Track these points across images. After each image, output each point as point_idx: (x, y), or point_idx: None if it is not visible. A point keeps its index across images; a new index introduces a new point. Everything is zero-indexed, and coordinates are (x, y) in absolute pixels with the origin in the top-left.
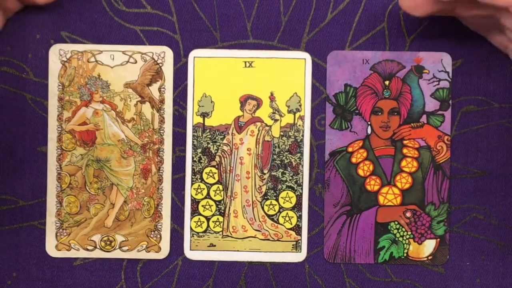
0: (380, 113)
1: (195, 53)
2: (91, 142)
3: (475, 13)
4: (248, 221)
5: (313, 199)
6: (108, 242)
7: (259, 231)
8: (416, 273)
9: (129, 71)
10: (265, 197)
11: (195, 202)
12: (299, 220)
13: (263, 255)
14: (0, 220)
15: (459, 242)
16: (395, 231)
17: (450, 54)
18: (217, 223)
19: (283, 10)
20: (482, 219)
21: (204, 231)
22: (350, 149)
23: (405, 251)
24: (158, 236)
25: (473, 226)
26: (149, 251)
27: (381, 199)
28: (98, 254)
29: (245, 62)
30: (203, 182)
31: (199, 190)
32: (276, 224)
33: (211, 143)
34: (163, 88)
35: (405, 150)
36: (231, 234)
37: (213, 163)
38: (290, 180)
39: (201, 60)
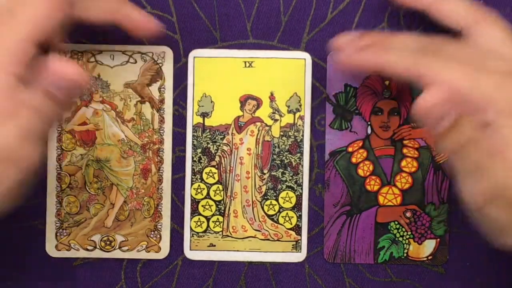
0: (380, 113)
1: (195, 53)
2: (91, 142)
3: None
4: (248, 221)
5: (313, 199)
6: (108, 242)
7: (259, 231)
8: (416, 273)
9: (129, 71)
10: (265, 197)
11: (195, 202)
12: (299, 220)
13: (263, 255)
14: (0, 220)
15: (459, 242)
16: (395, 231)
17: None
18: (217, 223)
19: (283, 10)
20: None
21: (204, 231)
22: (350, 149)
23: (405, 251)
24: (158, 236)
25: (473, 226)
26: (149, 251)
27: (381, 199)
28: (98, 254)
29: (245, 62)
30: (203, 182)
31: (199, 190)
32: (276, 224)
33: (211, 143)
34: (163, 88)
35: (405, 150)
36: (231, 234)
37: (213, 163)
38: (290, 180)
39: (201, 60)
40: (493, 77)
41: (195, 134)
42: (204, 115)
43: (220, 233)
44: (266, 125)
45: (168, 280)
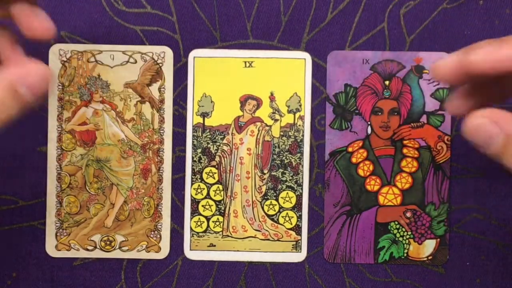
0: (380, 113)
1: (195, 53)
2: (91, 142)
3: None
4: (248, 221)
5: (313, 199)
6: (108, 242)
7: (259, 231)
8: (416, 273)
9: (129, 71)
10: (265, 197)
11: (195, 202)
12: (299, 220)
13: (263, 255)
14: (0, 220)
15: (459, 242)
16: (395, 231)
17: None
18: (217, 223)
19: (283, 10)
20: (482, 219)
21: (204, 231)
22: (350, 149)
23: (405, 251)
24: (158, 236)
25: (473, 226)
26: (149, 251)
27: (381, 199)
28: (98, 254)
29: (245, 62)
30: (203, 182)
31: (199, 190)
32: (276, 224)
33: (211, 143)
34: (163, 88)
35: (405, 150)
36: (231, 234)
37: (213, 163)
38: (290, 180)
39: (201, 60)
40: None
41: (195, 134)
42: (204, 115)
43: (220, 233)
44: (266, 125)
45: (168, 280)
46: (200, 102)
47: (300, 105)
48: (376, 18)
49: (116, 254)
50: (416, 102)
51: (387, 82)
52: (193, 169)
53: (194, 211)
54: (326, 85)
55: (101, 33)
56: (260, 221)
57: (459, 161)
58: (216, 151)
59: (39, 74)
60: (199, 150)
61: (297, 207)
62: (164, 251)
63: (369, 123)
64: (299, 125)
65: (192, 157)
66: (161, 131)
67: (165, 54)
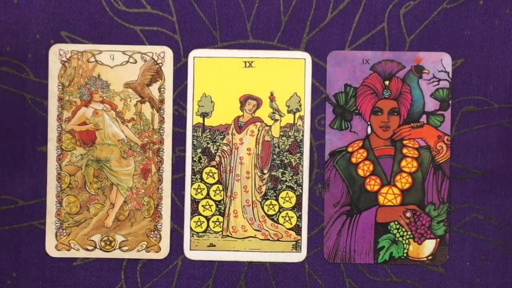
0: (380, 113)
1: (195, 53)
2: (91, 142)
3: None
4: (248, 221)
5: (313, 199)
6: (108, 242)
7: (259, 231)
8: (416, 273)
9: (129, 71)
10: (265, 197)
11: (195, 202)
12: (299, 220)
13: (263, 255)
14: (0, 220)
15: (459, 242)
16: (395, 231)
17: (450, 54)
18: (217, 223)
19: (283, 10)
20: (482, 219)
21: (204, 231)
22: (350, 149)
23: (405, 251)
24: (158, 236)
25: (473, 226)
26: (149, 251)
27: (381, 199)
28: (98, 254)
29: (245, 62)
30: (203, 182)
31: (199, 190)
32: (276, 224)
33: (211, 143)
34: (163, 88)
35: (405, 150)
36: (231, 234)
37: (213, 163)
38: (290, 180)
39: (201, 60)
40: None
41: (195, 134)
42: (204, 115)
43: (220, 233)
44: (266, 125)
45: (168, 280)
46: (200, 102)
47: (300, 105)
48: (376, 18)
49: (116, 254)
50: (416, 102)
51: (387, 82)
52: (193, 169)
53: (194, 211)
54: (326, 85)
55: (101, 33)
56: (260, 221)
57: (459, 161)
58: (216, 151)
59: None
60: (199, 150)
61: (297, 207)
62: (164, 251)
63: (369, 123)
64: (299, 125)
65: (192, 157)
66: (161, 131)
67: (165, 54)
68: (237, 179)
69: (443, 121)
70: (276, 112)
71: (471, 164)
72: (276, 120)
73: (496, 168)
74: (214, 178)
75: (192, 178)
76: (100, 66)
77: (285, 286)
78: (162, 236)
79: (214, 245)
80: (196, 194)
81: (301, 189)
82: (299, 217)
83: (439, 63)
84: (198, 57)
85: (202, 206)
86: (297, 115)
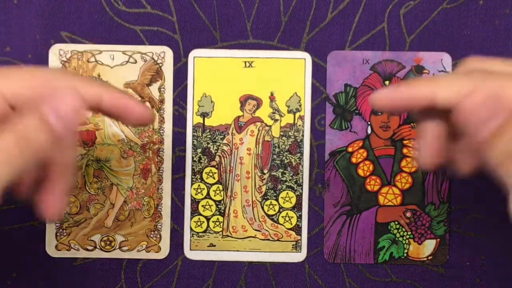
0: (380, 113)
1: (195, 53)
2: (91, 142)
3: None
4: (248, 221)
5: (313, 199)
6: (108, 242)
7: (259, 231)
8: (416, 273)
9: (129, 71)
10: (265, 197)
11: (195, 202)
12: (299, 220)
13: (263, 255)
14: (0, 220)
15: (459, 242)
16: (395, 231)
17: (450, 54)
18: (217, 223)
19: (283, 10)
20: (482, 219)
21: (204, 231)
22: (350, 149)
23: (405, 251)
24: (158, 236)
25: (473, 226)
26: (149, 251)
27: (381, 199)
28: (98, 254)
29: (245, 62)
30: (203, 182)
31: (199, 190)
32: (276, 224)
33: (211, 143)
34: (163, 88)
35: (405, 150)
36: (231, 234)
37: (213, 163)
38: (290, 180)
39: (201, 60)
40: None
41: (195, 134)
42: (204, 115)
43: (220, 233)
44: (266, 125)
45: (168, 280)
46: (200, 102)
47: (300, 105)
48: (376, 18)
49: (116, 254)
50: None
51: (387, 82)
52: (193, 169)
53: (194, 211)
54: (326, 85)
55: (101, 33)
56: (260, 221)
57: None
58: (216, 151)
59: (71, 104)
60: (199, 150)
61: (297, 207)
62: (164, 251)
63: (369, 123)
64: (299, 125)
65: (192, 157)
66: (161, 131)
67: (165, 54)
68: (237, 179)
69: None
70: (276, 112)
71: None
72: (276, 120)
73: None
74: (214, 178)
75: (192, 178)
76: (100, 66)
77: (285, 286)
78: (162, 236)
79: (214, 245)
80: (196, 194)
81: (301, 189)
82: (299, 217)
83: (439, 63)
84: (198, 57)
85: (202, 206)
86: (297, 115)
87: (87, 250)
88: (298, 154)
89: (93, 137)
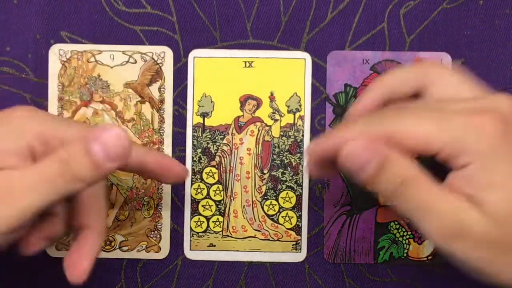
0: None
1: (195, 53)
2: None
3: None
4: (248, 221)
5: (313, 199)
6: (108, 242)
7: (259, 231)
8: (416, 273)
9: (129, 71)
10: (265, 197)
11: (195, 202)
12: (299, 220)
13: (263, 255)
14: None
15: None
16: (395, 231)
17: (450, 54)
18: (217, 223)
19: (283, 10)
20: None
21: (204, 231)
22: None
23: (405, 251)
24: (158, 236)
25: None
26: (149, 251)
27: (381, 199)
28: None
29: (245, 62)
30: (203, 182)
31: (199, 190)
32: (276, 224)
33: (211, 143)
34: (163, 88)
35: None
36: (231, 234)
37: (213, 163)
38: (290, 180)
39: (201, 60)
40: (458, 118)
41: (195, 134)
42: (204, 115)
43: (220, 233)
44: (266, 125)
45: (168, 280)
46: (200, 102)
47: (300, 105)
48: (376, 18)
49: (116, 254)
50: None
51: None
52: (193, 169)
53: (194, 211)
54: (326, 85)
55: (101, 33)
56: (260, 221)
57: None
58: (216, 151)
59: (116, 137)
60: (199, 150)
61: (297, 207)
62: (164, 251)
63: None
64: (299, 125)
65: (192, 157)
66: (161, 131)
67: (165, 54)
68: (237, 179)
69: None
70: (276, 112)
71: None
72: (276, 120)
73: None
74: (214, 178)
75: (192, 178)
76: (100, 66)
77: (285, 286)
78: (162, 236)
79: (214, 245)
80: (196, 194)
81: (301, 189)
82: (299, 217)
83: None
84: (198, 57)
85: (202, 206)
86: (297, 115)
87: None
88: (298, 154)
89: None
